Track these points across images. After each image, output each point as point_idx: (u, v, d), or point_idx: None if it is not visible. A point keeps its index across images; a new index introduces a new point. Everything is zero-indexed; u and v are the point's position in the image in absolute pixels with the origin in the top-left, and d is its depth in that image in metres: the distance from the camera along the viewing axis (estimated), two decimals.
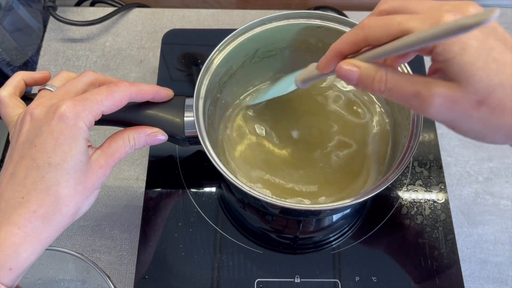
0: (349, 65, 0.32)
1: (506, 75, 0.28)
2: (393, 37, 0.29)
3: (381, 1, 0.33)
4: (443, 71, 0.29)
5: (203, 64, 0.44)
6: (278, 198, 0.39)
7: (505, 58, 0.28)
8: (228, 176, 0.39)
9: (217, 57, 0.45)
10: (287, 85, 0.44)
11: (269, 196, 0.39)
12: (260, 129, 0.50)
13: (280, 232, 0.49)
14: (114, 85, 0.37)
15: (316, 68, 0.36)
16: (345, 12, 0.64)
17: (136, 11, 0.66)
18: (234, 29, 0.46)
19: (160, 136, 0.41)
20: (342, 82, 0.50)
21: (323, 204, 0.39)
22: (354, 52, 0.33)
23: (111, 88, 0.36)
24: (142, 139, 0.40)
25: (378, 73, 0.31)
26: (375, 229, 0.49)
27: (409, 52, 0.33)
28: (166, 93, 0.42)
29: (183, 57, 0.59)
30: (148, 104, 0.42)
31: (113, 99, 0.36)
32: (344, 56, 0.33)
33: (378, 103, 0.50)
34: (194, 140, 0.42)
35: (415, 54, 0.34)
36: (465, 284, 0.46)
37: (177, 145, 0.51)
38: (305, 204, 0.39)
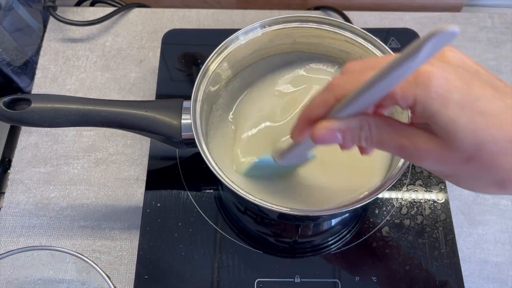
0: (326, 129, 0.28)
1: (495, 127, 0.25)
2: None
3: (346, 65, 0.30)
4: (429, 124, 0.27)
5: (203, 64, 0.44)
6: (274, 203, 0.39)
7: (493, 107, 0.25)
8: (225, 180, 0.39)
9: (214, 61, 0.45)
10: (270, 163, 0.41)
11: (264, 201, 0.39)
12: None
13: (279, 236, 0.49)
14: None
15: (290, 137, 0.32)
16: (345, 12, 0.64)
17: (136, 11, 0.66)
18: (234, 29, 0.46)
19: None
20: None
21: (320, 209, 0.39)
22: (325, 114, 0.29)
23: None
24: None
25: (363, 128, 0.28)
26: (375, 229, 0.49)
27: (384, 104, 0.28)
28: None
29: (183, 57, 0.59)
30: (145, 106, 0.42)
31: None
32: (316, 121, 0.29)
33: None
34: (191, 143, 0.42)
35: (391, 104, 0.28)
36: (465, 284, 0.46)
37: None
38: (302, 210, 0.39)
